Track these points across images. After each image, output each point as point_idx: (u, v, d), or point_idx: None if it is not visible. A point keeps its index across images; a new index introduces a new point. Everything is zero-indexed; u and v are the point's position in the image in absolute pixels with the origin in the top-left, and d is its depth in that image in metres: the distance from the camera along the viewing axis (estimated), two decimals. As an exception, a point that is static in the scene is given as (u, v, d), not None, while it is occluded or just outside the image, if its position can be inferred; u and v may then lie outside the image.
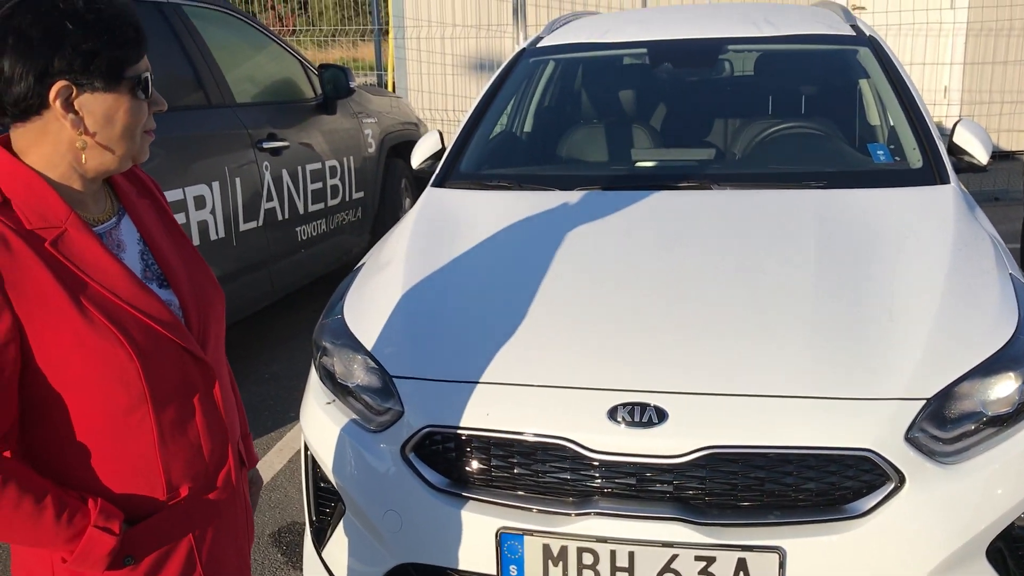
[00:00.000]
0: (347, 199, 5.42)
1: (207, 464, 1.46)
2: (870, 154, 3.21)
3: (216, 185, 4.11)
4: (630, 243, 2.66)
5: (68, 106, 1.26)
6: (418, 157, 3.67)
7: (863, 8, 8.88)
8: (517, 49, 4.01)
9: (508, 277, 2.54)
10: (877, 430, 1.98)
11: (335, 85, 5.28)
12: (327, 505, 2.50)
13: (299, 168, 4.84)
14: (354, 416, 2.36)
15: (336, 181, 5.26)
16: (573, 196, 3.03)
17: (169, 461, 1.40)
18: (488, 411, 2.13)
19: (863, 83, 3.60)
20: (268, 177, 4.54)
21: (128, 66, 1.30)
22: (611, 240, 2.69)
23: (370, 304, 2.58)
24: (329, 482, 2.43)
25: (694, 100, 3.73)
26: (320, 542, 2.48)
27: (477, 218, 2.94)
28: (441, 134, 3.64)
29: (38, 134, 1.28)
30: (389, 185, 6.02)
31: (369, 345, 2.41)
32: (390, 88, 10.05)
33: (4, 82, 1.23)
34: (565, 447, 2.06)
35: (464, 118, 3.67)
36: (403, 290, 2.57)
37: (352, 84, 5.29)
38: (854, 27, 3.74)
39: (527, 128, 3.92)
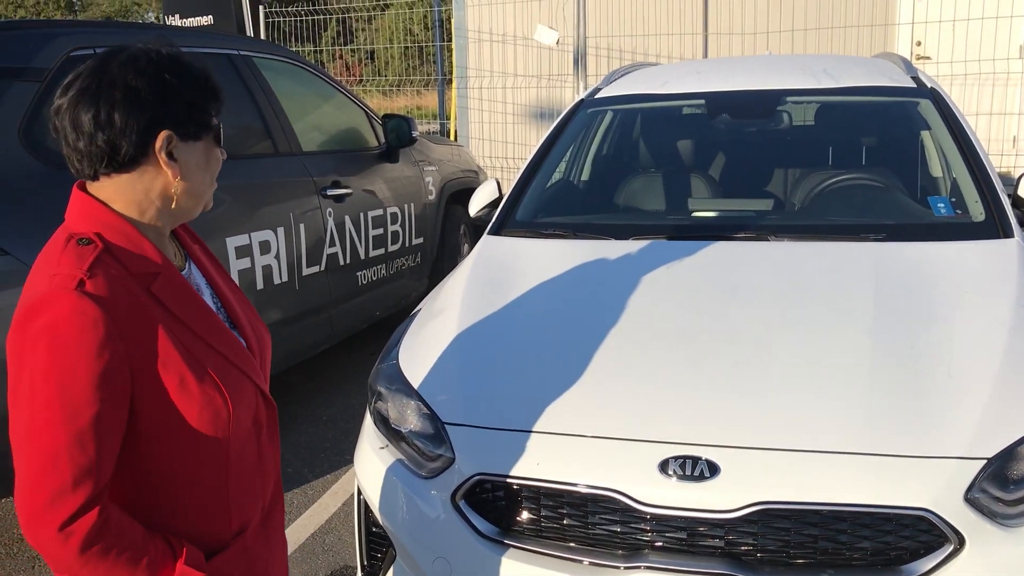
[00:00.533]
0: (407, 245, 5.51)
1: (264, 500, 1.52)
2: (931, 207, 3.17)
3: (281, 231, 4.22)
4: (685, 294, 2.66)
5: (170, 154, 1.33)
6: (475, 205, 3.72)
7: (928, 58, 8.80)
8: (576, 99, 4.07)
9: (561, 326, 2.55)
10: (935, 489, 1.94)
11: (398, 134, 5.40)
12: (379, 550, 2.52)
13: (361, 214, 4.95)
14: (406, 461, 2.39)
15: (396, 227, 5.36)
16: (628, 245, 3.05)
17: (236, 498, 1.45)
18: (539, 460, 2.13)
19: (924, 135, 3.57)
20: (331, 223, 4.64)
21: (213, 117, 1.39)
22: (665, 291, 2.69)
23: (425, 350, 2.62)
24: (381, 527, 2.45)
25: (752, 151, 3.73)
26: (371, 586, 2.50)
27: (532, 266, 2.97)
28: (498, 182, 3.69)
29: (130, 183, 1.33)
30: (448, 231, 6.11)
31: (423, 391, 2.44)
32: (452, 136, 10.22)
33: (116, 134, 1.29)
34: (615, 499, 2.05)
35: (523, 166, 3.72)
36: (457, 337, 2.61)
37: (414, 133, 5.40)
38: (915, 79, 3.71)
39: (584, 177, 3.96)
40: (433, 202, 5.84)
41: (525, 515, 2.15)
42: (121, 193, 1.34)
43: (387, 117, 5.47)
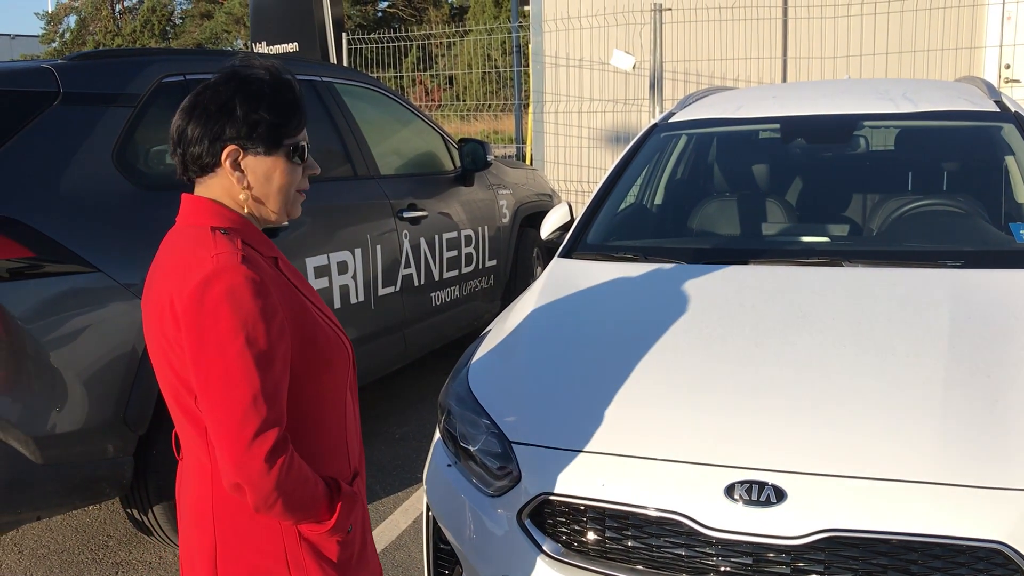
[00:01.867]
0: (480, 267, 5.57)
1: (360, 454, 1.75)
2: (1013, 233, 3.10)
3: (359, 252, 4.33)
4: (756, 319, 2.65)
5: (235, 165, 1.54)
6: (547, 228, 3.76)
7: (1017, 81, 8.56)
8: (650, 123, 4.09)
9: (629, 349, 2.57)
10: (1011, 522, 1.89)
11: (473, 158, 5.49)
12: (446, 566, 2.56)
13: (436, 236, 5.04)
14: (474, 479, 2.43)
15: (470, 249, 5.43)
16: (699, 269, 3.04)
17: (351, 444, 1.68)
18: (604, 482, 2.15)
19: (1008, 160, 3.49)
20: (407, 245, 4.74)
21: (286, 135, 1.57)
22: (736, 315, 2.69)
23: (494, 369, 2.66)
24: (448, 544, 2.49)
25: (827, 176, 3.70)
26: (437, 602, 2.54)
27: (601, 289, 2.99)
28: (571, 206, 3.73)
29: (218, 184, 1.55)
30: (521, 254, 6.16)
31: (491, 410, 2.48)
32: (528, 159, 10.31)
33: (188, 143, 1.53)
34: (681, 523, 2.05)
35: (596, 189, 3.75)
36: (526, 357, 2.64)
37: (489, 157, 5.48)
38: (998, 103, 3.63)
39: (657, 201, 3.97)
40: (507, 225, 5.91)
41: (590, 535, 2.16)
42: (217, 193, 1.56)
43: (463, 141, 5.56)
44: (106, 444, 3.14)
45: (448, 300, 5.24)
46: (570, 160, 9.51)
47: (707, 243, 3.39)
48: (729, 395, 2.29)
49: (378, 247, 4.50)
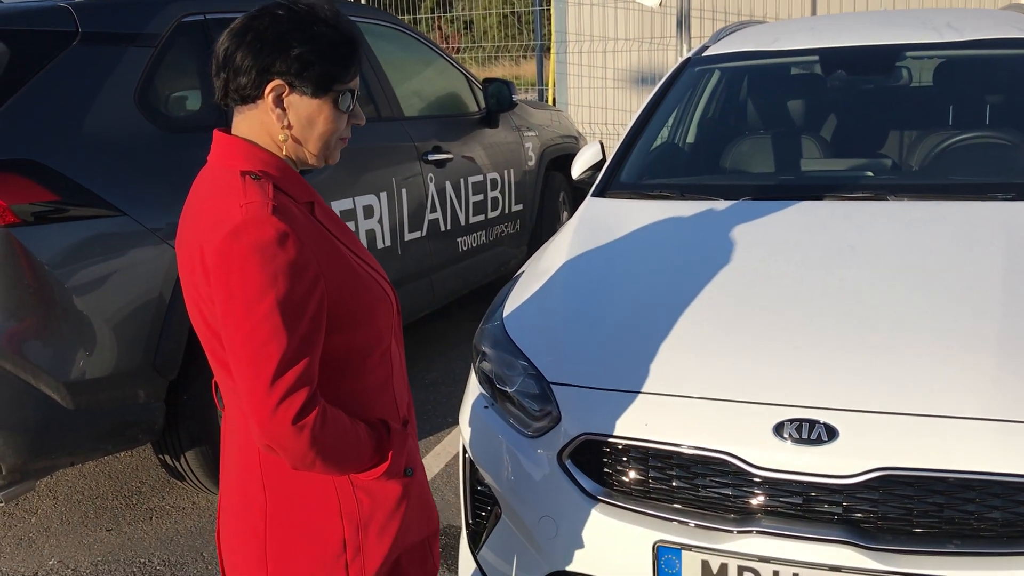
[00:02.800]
0: (506, 211, 5.49)
1: (409, 402, 1.69)
2: (1067, 164, 2.98)
3: (384, 196, 4.26)
4: (800, 254, 2.57)
5: (278, 101, 1.44)
6: (579, 167, 3.67)
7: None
8: (682, 58, 3.96)
9: (669, 286, 2.49)
10: (1075, 459, 1.82)
11: (498, 99, 5.37)
12: (484, 508, 2.52)
13: (461, 180, 4.95)
14: (512, 421, 2.38)
15: (496, 193, 5.35)
16: (738, 206, 2.95)
17: (399, 391, 1.62)
18: (647, 421, 2.09)
19: (1058, 89, 3.35)
20: (432, 189, 4.66)
21: (337, 81, 1.47)
22: (779, 250, 2.60)
23: (530, 310, 2.60)
24: (486, 485, 2.45)
25: (869, 110, 3.56)
26: (476, 544, 2.51)
27: (637, 227, 2.91)
28: (602, 144, 3.63)
29: (257, 118, 1.46)
30: (547, 198, 6.07)
31: (528, 351, 2.42)
32: (550, 103, 10.15)
33: (235, 71, 1.43)
34: (727, 462, 1.99)
35: (624, 131, 3.65)
36: (563, 297, 2.57)
37: (515, 98, 5.37)
38: (1048, 30, 3.48)
39: (690, 139, 3.85)
40: (533, 168, 5.81)
41: (632, 475, 2.11)
42: (255, 129, 1.47)
43: (487, 81, 5.45)
44: (136, 390, 3.12)
45: (474, 245, 5.17)
46: (594, 102, 9.35)
47: (745, 180, 3.29)
48: (776, 331, 2.22)
49: (403, 191, 4.42)
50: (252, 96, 1.44)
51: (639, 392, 2.15)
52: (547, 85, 10.66)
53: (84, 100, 3.10)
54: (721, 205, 2.97)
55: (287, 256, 1.34)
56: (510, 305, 2.67)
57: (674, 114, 3.81)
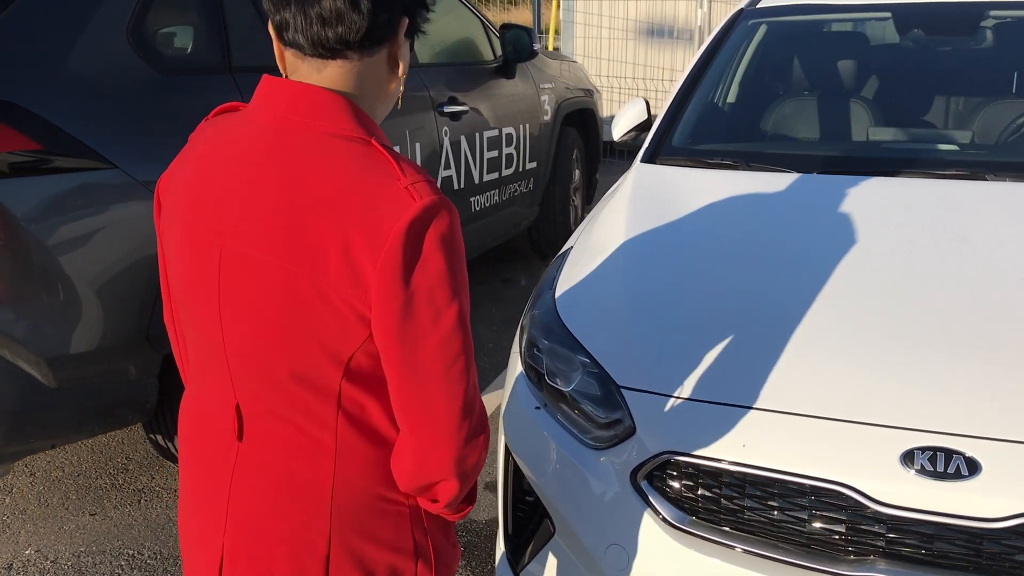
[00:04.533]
0: (520, 169, 5.12)
1: None
2: None
3: (396, 150, 3.87)
4: (906, 242, 2.24)
5: (403, 40, 1.19)
6: (621, 127, 3.32)
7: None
8: (735, 10, 3.59)
9: (758, 276, 2.16)
10: None
11: (516, 47, 4.97)
12: (529, 520, 2.21)
13: (477, 135, 4.57)
14: (569, 426, 2.06)
15: (511, 150, 4.97)
16: (814, 180, 2.62)
17: None
18: (745, 441, 1.77)
19: None
20: (447, 143, 4.28)
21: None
22: (881, 237, 2.27)
23: (588, 297, 2.27)
24: (533, 495, 2.14)
25: (953, 74, 3.22)
26: (518, 561, 2.20)
27: (702, 201, 2.57)
28: (647, 102, 3.27)
29: (368, 70, 1.16)
30: (561, 156, 5.70)
31: (590, 345, 2.10)
32: (552, 53, 9.69)
33: (378, 5, 1.12)
34: (842, 494, 1.69)
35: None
36: (627, 283, 2.24)
37: (535, 46, 4.97)
38: None
39: (746, 100, 3.48)
40: (548, 123, 5.43)
41: (724, 504, 1.80)
42: (352, 83, 1.16)
43: (505, 27, 5.04)
44: (127, 365, 2.77)
45: (487, 205, 4.81)
46: (602, 54, 8.92)
47: (817, 149, 2.94)
48: (896, 337, 1.90)
49: (416, 144, 4.05)
50: (381, 38, 1.14)
51: (735, 405, 1.83)
52: (545, 33, 10.19)
53: (69, 34, 2.69)
54: (794, 179, 2.64)
55: (462, 250, 1.12)
56: (563, 288, 2.34)
57: (732, 71, 3.44)
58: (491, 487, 3.22)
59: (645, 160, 2.97)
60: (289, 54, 1.16)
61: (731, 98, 3.30)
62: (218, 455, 1.26)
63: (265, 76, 1.18)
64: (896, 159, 2.76)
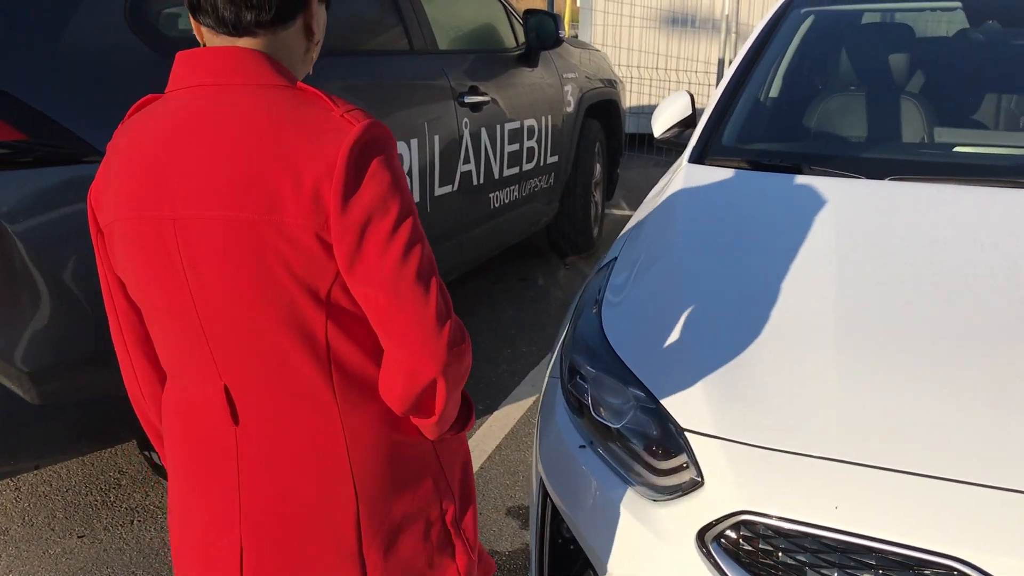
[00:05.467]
0: (541, 163, 4.85)
1: None
2: None
3: (415, 143, 3.61)
4: (1008, 264, 1.96)
5: (315, 9, 1.24)
6: (663, 123, 3.04)
7: None
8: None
9: (847, 305, 1.89)
10: None
11: (539, 34, 4.69)
12: (569, 569, 1.96)
13: (497, 127, 4.30)
14: (620, 470, 1.80)
15: (532, 143, 4.70)
16: (890, 188, 2.35)
17: None
18: (837, 503, 1.51)
19: None
20: (467, 135, 4.01)
21: None
22: (979, 258, 1.99)
23: (641, 318, 2.00)
24: (574, 542, 1.89)
25: None
26: (555, 614, 1.95)
27: (768, 210, 2.30)
28: (692, 97, 3.00)
29: (285, 42, 1.22)
30: (583, 150, 5.42)
31: (646, 377, 1.83)
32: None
33: None
34: (956, 570, 1.42)
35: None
36: (688, 305, 1.97)
37: (561, 34, 4.68)
38: None
39: (802, 95, 3.20)
40: (571, 115, 5.15)
41: (808, 575, 1.54)
42: (271, 52, 1.20)
43: (529, 13, 4.75)
44: (119, 377, 2.51)
45: (507, 202, 4.54)
46: (621, 43, 8.62)
47: (886, 152, 2.66)
48: (1017, 382, 1.63)
49: (436, 137, 3.77)
50: (294, 12, 1.20)
51: (824, 458, 1.56)
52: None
53: (60, 12, 2.42)
54: (867, 186, 2.37)
55: (400, 165, 1.17)
56: (610, 307, 2.07)
57: (777, 66, 3.15)
58: (513, 513, 2.96)
59: (693, 160, 2.70)
60: (205, 29, 1.18)
61: (784, 94, 3.02)
62: (216, 445, 1.24)
63: (179, 53, 1.18)
64: (982, 166, 2.48)
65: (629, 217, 6.65)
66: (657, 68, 8.39)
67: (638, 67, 8.52)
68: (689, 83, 8.26)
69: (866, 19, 3.29)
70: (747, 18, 8.06)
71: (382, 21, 3.68)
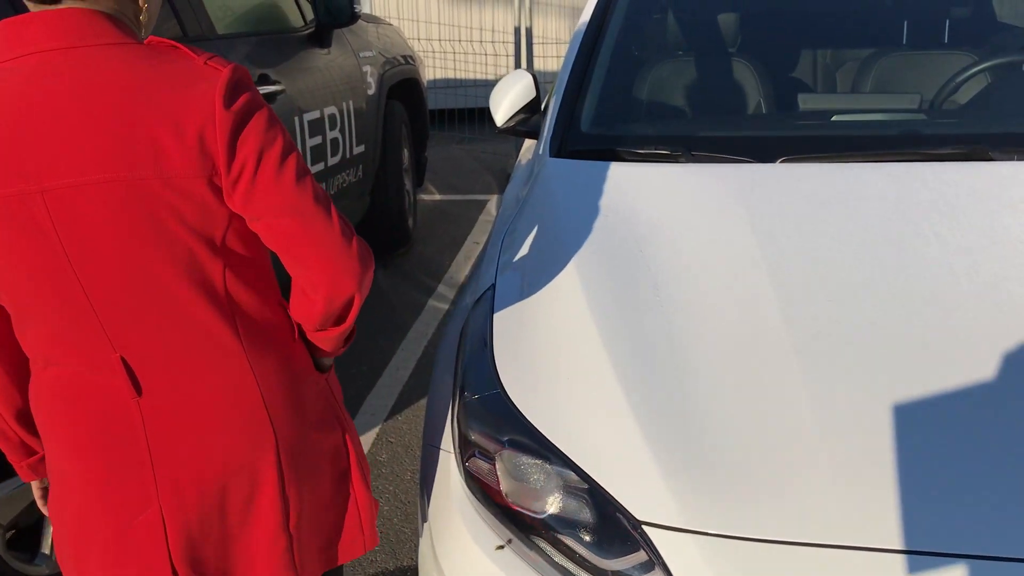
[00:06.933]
0: (348, 155, 4.31)
1: None
2: None
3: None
4: (968, 259, 1.68)
5: None
6: (505, 110, 2.62)
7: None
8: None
9: (800, 331, 1.54)
10: None
11: (330, 8, 4.12)
12: None
13: (296, 119, 3.73)
14: (551, 568, 1.40)
15: (336, 133, 4.15)
16: (787, 173, 2.05)
17: None
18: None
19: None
20: (263, 133, 3.42)
21: None
22: (932, 253, 1.70)
23: (549, 370, 1.58)
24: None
25: (901, 21, 2.73)
26: None
27: (666, 216, 1.93)
28: (535, 77, 2.60)
29: (107, 7, 1.16)
30: (390, 135, 4.92)
31: (572, 451, 1.43)
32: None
33: None
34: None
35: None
36: (608, 349, 1.56)
37: (356, 7, 4.14)
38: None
39: (660, 67, 2.85)
40: (373, 98, 4.64)
41: None
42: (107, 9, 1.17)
43: (315, -15, 4.18)
44: None
45: (315, 202, 3.97)
46: (404, 14, 8.10)
47: (770, 128, 2.37)
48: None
49: (227, 139, 3.17)
50: None
51: (817, 545, 1.22)
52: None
53: None
54: (761, 173, 2.06)
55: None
56: (505, 359, 1.64)
57: (625, 34, 2.79)
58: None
59: (554, 154, 2.30)
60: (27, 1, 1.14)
61: (641, 66, 2.67)
62: (118, 422, 1.21)
63: (44, 12, 1.12)
64: (875, 136, 2.22)
65: (441, 203, 6.23)
66: (447, 40, 7.96)
67: (427, 39, 8.04)
68: (485, 54, 7.89)
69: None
70: (540, -17, 7.77)
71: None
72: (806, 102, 2.58)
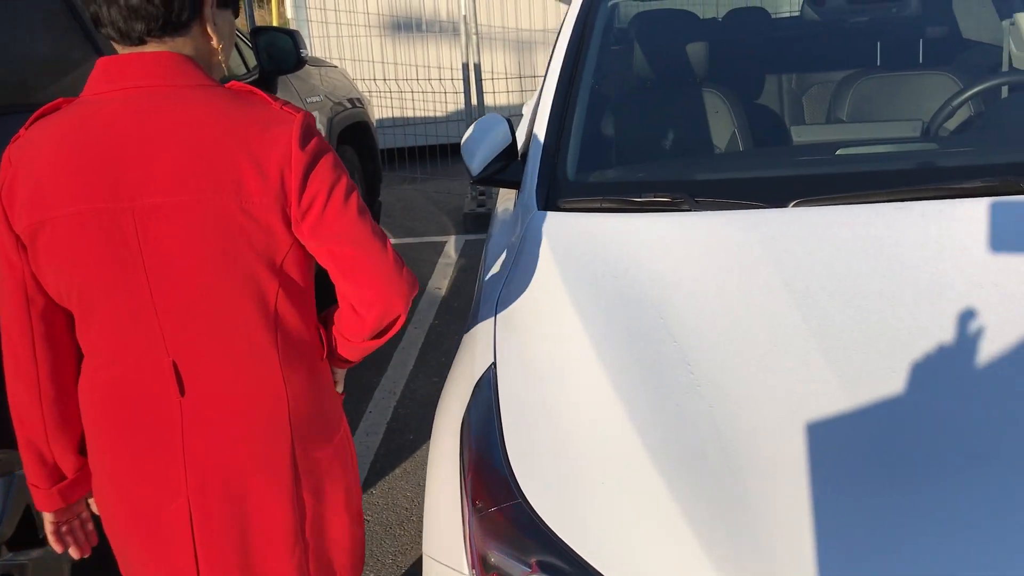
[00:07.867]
0: (300, 207, 4.06)
1: None
2: None
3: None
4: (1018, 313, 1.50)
5: (212, 15, 1.34)
6: (480, 158, 2.38)
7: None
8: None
9: (874, 425, 1.33)
10: None
11: (273, 55, 3.87)
12: None
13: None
14: None
15: (287, 185, 3.89)
16: (803, 218, 1.86)
17: None
18: None
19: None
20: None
21: None
22: (977, 300, 1.51)
23: (580, 479, 1.35)
24: None
25: (893, 50, 2.58)
26: None
27: (682, 277, 1.71)
28: (510, 122, 2.38)
29: (186, 49, 1.32)
30: (342, 182, 4.67)
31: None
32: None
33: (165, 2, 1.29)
34: None
35: (539, 94, 2.43)
36: (652, 453, 1.33)
37: (303, 53, 3.89)
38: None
39: (647, 104, 2.64)
40: (323, 145, 4.39)
41: None
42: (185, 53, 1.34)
43: (257, 31, 3.94)
44: None
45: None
46: (345, 54, 7.86)
47: (779, 168, 2.16)
48: None
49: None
50: (187, 21, 1.31)
51: None
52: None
53: None
54: (776, 221, 1.86)
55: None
56: (522, 463, 1.40)
57: (605, 71, 2.59)
58: None
59: (542, 206, 2.08)
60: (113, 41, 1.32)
61: (626, 105, 2.46)
62: (160, 418, 1.34)
63: (100, 60, 1.29)
64: (907, 172, 2.04)
65: (398, 247, 5.94)
66: (393, 79, 7.74)
67: (372, 79, 7.81)
68: (433, 92, 7.69)
69: (683, 10, 2.82)
70: (487, 19, 7.60)
71: (68, 58, 2.76)
72: (800, 134, 2.40)
